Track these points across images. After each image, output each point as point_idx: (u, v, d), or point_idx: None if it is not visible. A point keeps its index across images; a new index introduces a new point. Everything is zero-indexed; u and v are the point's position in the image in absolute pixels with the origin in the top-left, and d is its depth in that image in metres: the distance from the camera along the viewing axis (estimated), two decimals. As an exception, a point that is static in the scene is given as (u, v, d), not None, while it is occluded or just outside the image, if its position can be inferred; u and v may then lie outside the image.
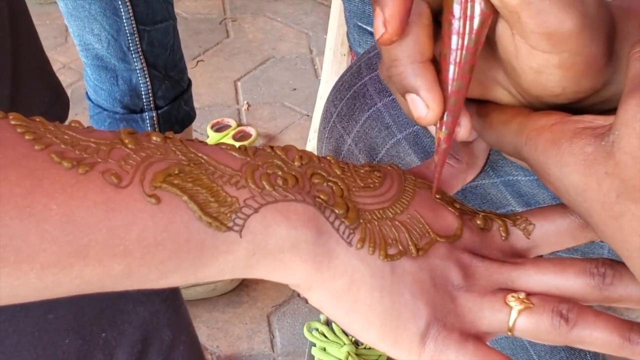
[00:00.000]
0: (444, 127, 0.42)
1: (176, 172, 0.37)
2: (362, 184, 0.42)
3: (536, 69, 0.39)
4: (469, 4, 0.39)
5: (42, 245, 0.34)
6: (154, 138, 0.38)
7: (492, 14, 0.39)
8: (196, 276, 0.38)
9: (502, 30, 0.39)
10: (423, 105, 0.41)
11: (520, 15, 0.37)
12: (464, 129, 0.42)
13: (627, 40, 0.40)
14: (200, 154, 0.39)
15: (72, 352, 0.48)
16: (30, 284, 0.35)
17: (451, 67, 0.40)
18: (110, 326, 0.50)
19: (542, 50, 0.38)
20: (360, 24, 1.03)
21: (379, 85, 0.60)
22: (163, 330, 0.52)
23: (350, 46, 1.10)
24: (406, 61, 0.40)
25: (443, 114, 0.41)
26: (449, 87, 0.41)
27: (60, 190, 0.34)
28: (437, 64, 0.41)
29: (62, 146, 0.36)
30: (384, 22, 0.39)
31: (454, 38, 0.40)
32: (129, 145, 0.37)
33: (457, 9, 0.39)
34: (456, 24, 0.39)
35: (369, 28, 1.02)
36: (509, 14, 0.38)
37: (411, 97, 0.41)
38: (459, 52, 0.40)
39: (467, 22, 0.39)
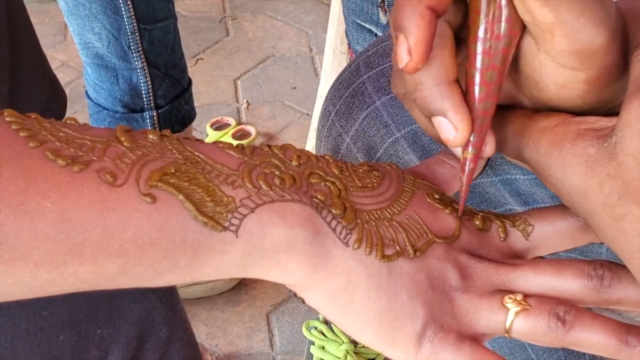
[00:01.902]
0: (470, 147, 0.41)
1: (172, 171, 0.37)
2: (360, 184, 0.42)
3: (561, 84, 0.39)
4: (495, 25, 0.38)
5: (36, 243, 0.34)
6: (151, 136, 0.38)
7: (520, 32, 0.38)
8: (192, 276, 0.38)
9: (528, 46, 0.39)
10: (451, 128, 0.40)
11: (553, 34, 0.36)
12: (490, 147, 0.42)
13: (635, 43, 0.39)
14: (197, 153, 0.38)
15: (66, 349, 0.48)
16: (24, 282, 0.35)
17: (477, 88, 0.40)
18: (106, 323, 0.49)
19: (570, 67, 0.38)
20: (358, 21, 1.03)
21: (377, 84, 0.59)
22: (159, 327, 0.52)
23: (348, 43, 1.10)
24: (431, 84, 0.40)
25: (471, 135, 0.41)
26: (476, 107, 0.40)
27: (54, 188, 0.34)
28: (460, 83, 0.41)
29: (57, 144, 0.36)
30: (408, 50, 0.38)
31: (481, 58, 0.39)
32: (125, 144, 0.37)
33: (483, 30, 0.38)
34: (483, 44, 0.39)
35: (367, 25, 1.02)
36: (541, 32, 0.37)
37: (438, 120, 0.40)
38: (486, 72, 0.39)
39: (494, 42, 0.38)
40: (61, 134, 0.36)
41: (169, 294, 0.54)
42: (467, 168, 0.42)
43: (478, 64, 0.39)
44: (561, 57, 0.37)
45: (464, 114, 0.40)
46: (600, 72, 0.38)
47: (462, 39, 0.41)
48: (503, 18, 0.38)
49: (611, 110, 0.41)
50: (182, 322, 0.56)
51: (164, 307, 0.53)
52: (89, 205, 0.35)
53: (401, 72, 0.41)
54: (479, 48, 0.39)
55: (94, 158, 0.36)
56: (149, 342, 0.52)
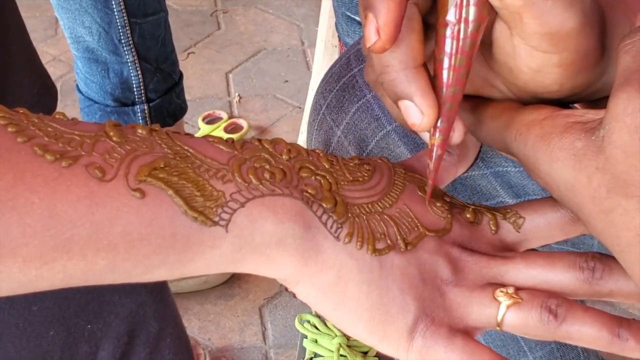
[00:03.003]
0: (437, 133, 0.41)
1: (162, 165, 0.37)
2: (350, 178, 0.42)
3: (535, 68, 0.38)
4: (464, 8, 0.38)
5: (24, 240, 0.33)
6: (140, 131, 0.38)
7: (489, 17, 0.38)
8: (182, 271, 0.38)
9: (500, 31, 0.39)
10: (417, 112, 0.40)
11: (522, 16, 0.37)
12: (458, 134, 0.42)
13: (616, 30, 0.39)
14: (186, 147, 0.38)
15: (56, 344, 0.47)
16: (13, 278, 0.34)
17: (446, 72, 0.39)
18: (96, 318, 0.49)
19: (542, 50, 0.38)
20: (348, 13, 1.03)
21: (368, 78, 0.59)
22: (149, 322, 0.52)
23: (339, 36, 1.09)
24: (398, 67, 0.39)
25: (438, 119, 0.40)
26: (444, 93, 0.40)
27: (42, 183, 0.34)
28: (427, 68, 0.41)
29: (46, 139, 0.35)
30: (377, 29, 0.38)
31: (449, 42, 0.39)
32: (114, 138, 0.37)
33: (452, 13, 0.38)
34: (452, 28, 0.38)
35: (357, 18, 1.02)
36: (510, 15, 0.37)
37: (404, 104, 0.40)
38: (454, 56, 0.39)
39: (463, 26, 0.38)
40: (50, 129, 0.36)
41: (159, 288, 0.54)
42: (434, 154, 0.42)
43: (447, 48, 0.39)
44: (533, 40, 0.37)
45: (430, 98, 0.40)
46: (574, 56, 0.38)
47: (430, 24, 0.41)
48: (472, 2, 0.38)
49: (589, 96, 0.41)
50: (173, 317, 0.56)
51: (154, 301, 0.53)
52: (77, 200, 0.34)
53: (372, 59, 0.41)
54: (448, 32, 0.39)
55: (83, 153, 0.36)
56: (140, 336, 0.52)
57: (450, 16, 0.38)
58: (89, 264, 0.35)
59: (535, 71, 0.39)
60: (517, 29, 0.37)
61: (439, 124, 0.41)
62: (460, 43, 0.38)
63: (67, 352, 0.48)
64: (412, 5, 0.39)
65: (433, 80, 0.40)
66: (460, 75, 0.39)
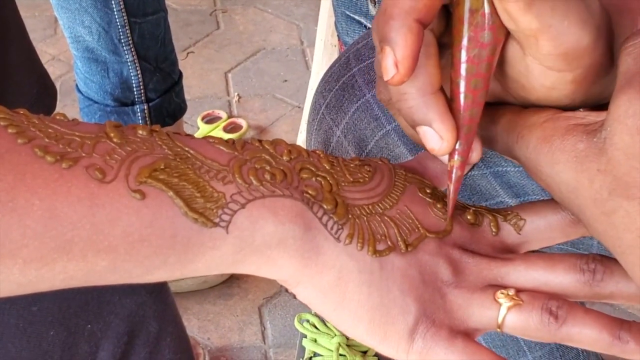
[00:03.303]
0: (456, 155, 0.41)
1: (162, 167, 0.37)
2: (351, 179, 0.42)
3: (549, 86, 0.38)
4: (479, 33, 0.38)
5: (25, 241, 0.33)
6: (140, 132, 0.38)
7: (504, 39, 0.38)
8: (182, 272, 0.38)
9: (512, 50, 0.38)
10: (437, 137, 0.40)
11: (538, 39, 0.36)
12: (476, 154, 0.42)
13: (623, 37, 0.39)
14: (187, 148, 0.38)
15: (56, 344, 0.47)
16: (13, 279, 0.34)
17: (463, 96, 0.39)
18: (96, 318, 0.49)
19: (557, 69, 0.37)
20: (348, 12, 1.02)
21: (367, 76, 0.59)
22: (149, 322, 0.52)
23: (338, 36, 1.09)
24: (416, 95, 0.39)
25: (457, 143, 0.40)
26: (462, 116, 0.40)
27: (43, 185, 0.34)
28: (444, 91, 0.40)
29: (46, 140, 0.35)
30: (395, 63, 0.37)
31: (466, 66, 0.38)
32: (114, 139, 0.37)
33: (467, 39, 0.38)
34: (467, 53, 0.38)
35: (356, 17, 1.02)
36: (525, 38, 0.37)
37: (423, 130, 0.40)
38: (472, 80, 0.39)
39: (479, 50, 0.38)
40: (50, 130, 0.36)
41: (159, 288, 0.54)
42: (454, 176, 0.42)
43: (463, 72, 0.39)
44: (547, 60, 0.37)
45: (449, 123, 0.39)
46: (587, 70, 0.38)
47: (444, 44, 0.40)
48: (487, 26, 0.37)
49: (599, 103, 0.41)
50: (173, 316, 0.56)
51: (154, 301, 0.53)
52: (78, 202, 0.34)
53: (388, 87, 0.41)
54: (464, 56, 0.38)
55: (83, 154, 0.36)
56: (140, 336, 0.52)
57: (466, 41, 0.38)
58: (89, 265, 0.35)
59: (549, 88, 0.38)
60: (532, 50, 0.37)
61: (457, 146, 0.40)
62: (477, 66, 0.38)
63: (67, 352, 0.48)
64: (427, 31, 0.39)
65: (450, 103, 0.40)
66: (477, 98, 0.39)
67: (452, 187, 0.42)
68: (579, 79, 0.38)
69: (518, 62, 0.38)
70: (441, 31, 0.40)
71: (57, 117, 0.38)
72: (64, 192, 0.34)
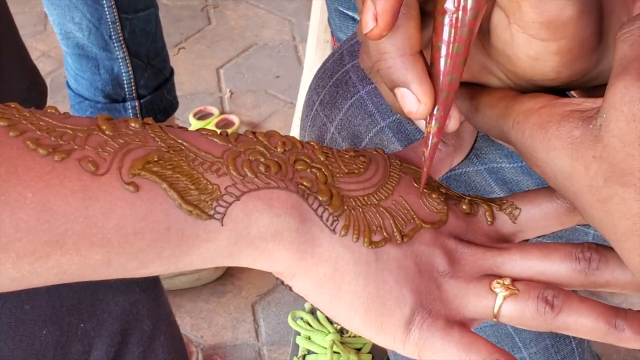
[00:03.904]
0: (434, 121, 0.41)
1: (155, 159, 0.36)
2: (346, 170, 0.42)
3: (533, 56, 0.38)
4: None
5: (18, 235, 0.33)
6: (133, 124, 0.38)
7: (487, 4, 0.38)
8: (177, 265, 0.38)
9: (498, 19, 0.39)
10: (414, 100, 0.40)
11: (521, 5, 0.37)
12: (454, 122, 0.42)
13: (613, 17, 0.39)
14: (180, 141, 0.38)
15: (49, 343, 0.47)
16: (6, 274, 0.34)
17: (443, 60, 0.39)
18: (89, 316, 0.49)
19: (541, 38, 0.37)
20: (341, 8, 1.02)
21: (361, 73, 0.59)
22: (143, 321, 0.51)
23: (331, 32, 1.09)
24: (395, 54, 0.39)
25: (434, 107, 0.40)
26: (441, 80, 0.40)
27: (35, 178, 0.34)
28: (424, 56, 0.40)
29: (38, 133, 0.35)
30: (374, 16, 0.38)
31: (447, 30, 0.39)
32: (107, 132, 0.37)
33: (450, 1, 0.38)
34: (450, 16, 0.38)
35: (350, 13, 1.02)
36: (509, 4, 0.37)
37: (401, 92, 0.40)
38: (452, 44, 0.39)
39: (461, 14, 0.38)
40: (42, 123, 0.36)
41: (152, 286, 0.53)
42: (430, 142, 0.42)
43: (444, 36, 0.39)
44: (531, 28, 0.37)
45: (427, 85, 0.40)
46: (572, 43, 0.38)
47: (428, 11, 0.41)
48: None
49: (586, 83, 0.41)
50: (167, 315, 0.55)
51: (147, 300, 0.53)
52: (70, 194, 0.34)
53: (368, 45, 0.41)
54: (446, 20, 0.39)
55: (76, 147, 0.35)
56: (133, 335, 0.52)
57: (449, 4, 0.38)
58: (83, 259, 0.35)
59: (534, 59, 0.39)
60: (516, 17, 0.37)
61: (435, 112, 0.40)
62: (458, 31, 0.38)
63: (60, 351, 0.48)
64: None
65: (430, 68, 0.40)
66: (457, 63, 0.39)
67: (427, 154, 0.42)
68: (564, 50, 0.38)
69: (504, 31, 0.39)
70: None
71: (49, 111, 0.37)
72: (56, 185, 0.34)
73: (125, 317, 0.50)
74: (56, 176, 0.34)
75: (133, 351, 0.51)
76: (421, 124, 0.42)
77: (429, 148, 0.42)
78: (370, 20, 0.38)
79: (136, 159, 0.36)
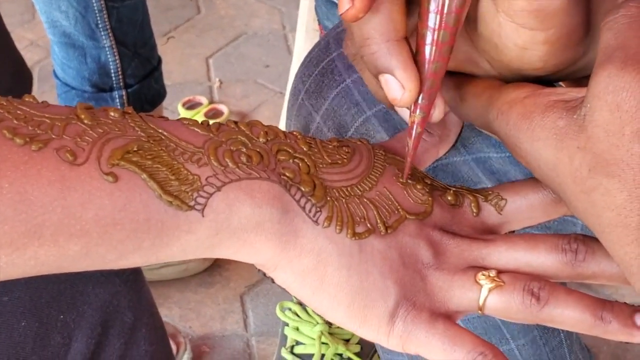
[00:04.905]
0: (418, 110, 0.40)
1: (135, 149, 0.36)
2: (329, 160, 0.41)
3: (521, 45, 0.38)
4: None
5: None
6: (112, 113, 0.37)
7: None
8: (157, 256, 0.37)
9: (486, 7, 0.38)
10: (399, 86, 0.39)
11: None
12: (439, 111, 0.41)
13: (600, 7, 0.39)
14: (160, 130, 0.37)
15: (28, 336, 0.47)
16: (-17, 266, 0.33)
17: (429, 48, 0.39)
18: (69, 308, 0.48)
19: (529, 27, 0.37)
20: (327, -3, 1.01)
21: (347, 61, 0.58)
22: (124, 312, 0.51)
23: (318, 20, 1.08)
24: (379, 39, 0.39)
25: (419, 95, 0.40)
26: (426, 69, 0.39)
27: (12, 167, 0.33)
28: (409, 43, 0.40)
29: (15, 122, 0.35)
30: None
31: (433, 17, 0.38)
32: (85, 121, 0.36)
33: None
34: (436, 2, 0.38)
35: (336, 1, 1.01)
36: None
37: (385, 78, 0.39)
38: (437, 32, 0.38)
39: (448, 1, 0.37)
40: (19, 112, 0.35)
41: (134, 277, 0.53)
42: (414, 132, 0.41)
43: (430, 23, 0.38)
44: (520, 17, 0.37)
45: (412, 72, 0.39)
46: (560, 33, 0.37)
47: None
48: None
49: (573, 74, 0.41)
50: (148, 306, 0.55)
51: (128, 291, 0.52)
52: (48, 184, 0.34)
53: (352, 31, 0.40)
54: (432, 6, 0.38)
55: (53, 136, 0.35)
56: (114, 327, 0.51)
57: None
58: (61, 250, 0.35)
59: (521, 48, 0.38)
60: (504, 5, 0.37)
61: (419, 100, 0.40)
62: (445, 18, 0.38)
63: (39, 342, 0.47)
64: None
65: (415, 56, 0.39)
66: (443, 52, 0.39)
67: (411, 144, 0.41)
68: (552, 40, 0.37)
69: (491, 19, 0.38)
70: None
71: (27, 99, 0.37)
72: (34, 174, 0.33)
73: (105, 308, 0.50)
74: (33, 166, 0.34)
75: (114, 343, 0.51)
76: (405, 113, 0.42)
77: (412, 138, 0.41)
78: (346, 0, 0.37)
79: (115, 149, 0.35)
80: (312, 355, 1.10)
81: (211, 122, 0.39)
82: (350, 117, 0.58)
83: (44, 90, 1.61)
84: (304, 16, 1.33)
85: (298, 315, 1.13)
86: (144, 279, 0.55)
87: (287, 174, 0.39)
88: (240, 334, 1.23)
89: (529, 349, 0.66)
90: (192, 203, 0.36)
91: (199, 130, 0.39)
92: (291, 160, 0.40)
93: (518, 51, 0.38)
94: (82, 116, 0.36)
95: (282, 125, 1.44)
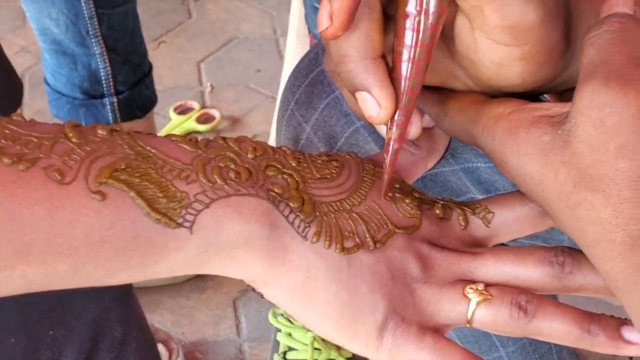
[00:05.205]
0: (395, 127, 0.41)
1: (123, 167, 0.36)
2: (318, 175, 0.41)
3: (497, 62, 0.38)
4: (424, 0, 0.37)
5: None
6: (100, 131, 0.37)
7: (449, 9, 0.38)
8: (145, 274, 0.37)
9: (461, 25, 0.38)
10: (375, 104, 0.39)
11: (483, 10, 0.36)
12: (415, 128, 0.41)
13: (581, 21, 0.39)
14: (148, 147, 0.38)
15: (18, 352, 0.47)
16: (-29, 285, 0.33)
17: (405, 65, 0.39)
18: (59, 324, 0.48)
19: (504, 43, 0.37)
20: (316, 5, 1.02)
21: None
22: (114, 327, 0.51)
23: (308, 28, 1.08)
24: (356, 57, 0.39)
25: (395, 112, 0.40)
26: (402, 85, 0.39)
27: (0, 187, 0.33)
28: (386, 60, 0.40)
29: (3, 141, 0.35)
30: (330, 15, 0.37)
31: (409, 34, 0.38)
32: (73, 140, 0.36)
33: (412, 4, 0.38)
34: (412, 20, 0.38)
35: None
36: (471, 9, 0.37)
37: (362, 96, 0.39)
38: (414, 49, 0.38)
39: (423, 18, 0.38)
40: (7, 131, 0.35)
41: (124, 292, 0.53)
42: (391, 149, 0.41)
43: (406, 40, 0.38)
44: (494, 34, 0.37)
45: (388, 90, 0.39)
46: (537, 48, 0.38)
47: (390, 15, 0.40)
48: None
49: (554, 88, 0.41)
50: (138, 320, 0.55)
51: (119, 306, 0.52)
52: (36, 203, 0.34)
53: (330, 47, 0.40)
54: (408, 24, 0.38)
55: (41, 155, 0.35)
56: (104, 342, 0.51)
57: (411, 7, 0.38)
58: (49, 269, 0.35)
59: (498, 65, 0.38)
60: (478, 22, 0.37)
61: (396, 117, 0.40)
62: (420, 35, 0.38)
63: (29, 358, 0.47)
64: None
65: (391, 73, 0.40)
66: (419, 68, 0.39)
67: (388, 160, 0.41)
68: (528, 56, 0.38)
69: (467, 37, 0.38)
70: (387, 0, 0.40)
71: (14, 118, 0.37)
72: (21, 194, 0.34)
73: (95, 324, 0.50)
74: (21, 185, 0.34)
75: (104, 357, 0.51)
76: (382, 130, 0.42)
77: (389, 154, 0.41)
78: (325, 19, 0.37)
79: (103, 167, 0.35)
80: (305, 360, 1.10)
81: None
82: (340, 127, 0.58)
83: (35, 96, 1.61)
84: (294, 21, 1.33)
85: (290, 321, 1.13)
86: (135, 294, 0.55)
87: (276, 190, 0.39)
88: (233, 340, 1.23)
89: (518, 356, 0.66)
90: (180, 220, 0.36)
91: (187, 147, 0.39)
92: (280, 176, 0.40)
93: (495, 68, 0.39)
94: (70, 134, 0.36)
95: (273, 129, 1.44)
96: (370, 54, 0.39)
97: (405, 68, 0.39)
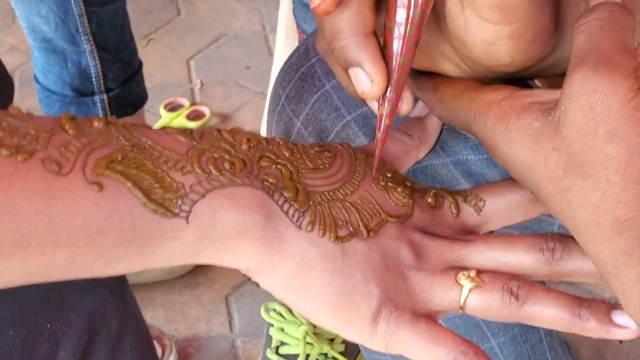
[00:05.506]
0: (386, 103, 0.41)
1: (119, 158, 0.36)
2: (311, 165, 0.42)
3: (487, 40, 0.39)
4: None
5: None
6: (96, 123, 0.38)
7: None
8: (143, 264, 0.38)
9: (452, 3, 0.39)
10: (367, 79, 0.40)
11: None
12: (406, 104, 0.42)
13: (570, 4, 0.40)
14: (144, 139, 0.38)
15: (16, 344, 0.47)
16: (-29, 277, 0.34)
17: (396, 42, 0.40)
18: (56, 316, 0.49)
19: (493, 21, 0.38)
20: (305, 0, 1.02)
21: (327, 67, 0.59)
22: (110, 320, 0.51)
23: (297, 23, 1.09)
24: (349, 34, 0.40)
25: (387, 88, 0.41)
26: (394, 62, 0.40)
27: None
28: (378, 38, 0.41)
29: (0, 133, 0.35)
30: None
31: (400, 11, 0.39)
32: (70, 132, 0.36)
33: None
34: None
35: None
36: None
37: (354, 72, 0.40)
38: (404, 26, 0.39)
39: None
40: (4, 124, 0.36)
41: (119, 285, 0.53)
42: (382, 125, 0.42)
43: (398, 18, 0.39)
44: (483, 11, 0.37)
45: (380, 66, 0.40)
46: (525, 27, 0.38)
47: None
48: None
49: (543, 71, 0.42)
50: (134, 314, 0.55)
51: (114, 299, 0.52)
52: (34, 195, 0.34)
53: (323, 26, 0.41)
54: (399, 1, 0.39)
55: (38, 147, 0.35)
56: (100, 335, 0.52)
57: None
58: (48, 259, 0.35)
59: (488, 43, 0.39)
60: (468, 0, 0.38)
61: (387, 93, 0.41)
62: (411, 12, 0.39)
63: (26, 351, 0.47)
64: None
65: (383, 50, 0.40)
66: (409, 45, 0.40)
67: (379, 136, 0.42)
68: (517, 34, 0.38)
69: (457, 16, 0.39)
70: None
71: (11, 111, 0.37)
72: (20, 185, 0.34)
73: (91, 317, 0.50)
74: (19, 177, 0.34)
75: (100, 350, 0.51)
76: (374, 105, 0.43)
77: (381, 130, 0.42)
78: None
79: (100, 158, 0.36)
80: (297, 355, 1.10)
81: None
82: (330, 122, 0.58)
83: (26, 95, 1.60)
84: (283, 17, 1.34)
85: (283, 316, 1.13)
86: (129, 287, 0.55)
87: (270, 180, 0.39)
88: (225, 335, 1.23)
89: (509, 346, 0.67)
90: (176, 210, 0.37)
91: (182, 138, 0.39)
92: (274, 166, 0.40)
93: (485, 46, 0.39)
94: (67, 127, 0.36)
95: (264, 126, 1.44)
96: (363, 31, 0.40)
97: (396, 45, 0.40)
